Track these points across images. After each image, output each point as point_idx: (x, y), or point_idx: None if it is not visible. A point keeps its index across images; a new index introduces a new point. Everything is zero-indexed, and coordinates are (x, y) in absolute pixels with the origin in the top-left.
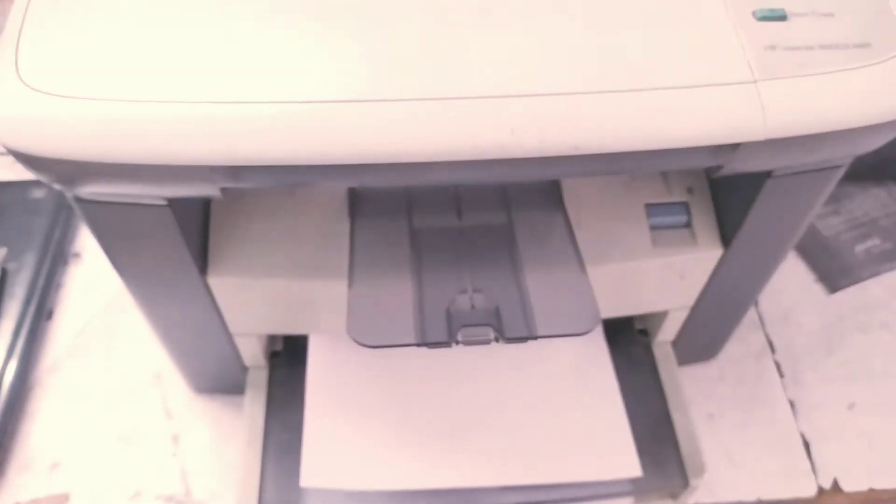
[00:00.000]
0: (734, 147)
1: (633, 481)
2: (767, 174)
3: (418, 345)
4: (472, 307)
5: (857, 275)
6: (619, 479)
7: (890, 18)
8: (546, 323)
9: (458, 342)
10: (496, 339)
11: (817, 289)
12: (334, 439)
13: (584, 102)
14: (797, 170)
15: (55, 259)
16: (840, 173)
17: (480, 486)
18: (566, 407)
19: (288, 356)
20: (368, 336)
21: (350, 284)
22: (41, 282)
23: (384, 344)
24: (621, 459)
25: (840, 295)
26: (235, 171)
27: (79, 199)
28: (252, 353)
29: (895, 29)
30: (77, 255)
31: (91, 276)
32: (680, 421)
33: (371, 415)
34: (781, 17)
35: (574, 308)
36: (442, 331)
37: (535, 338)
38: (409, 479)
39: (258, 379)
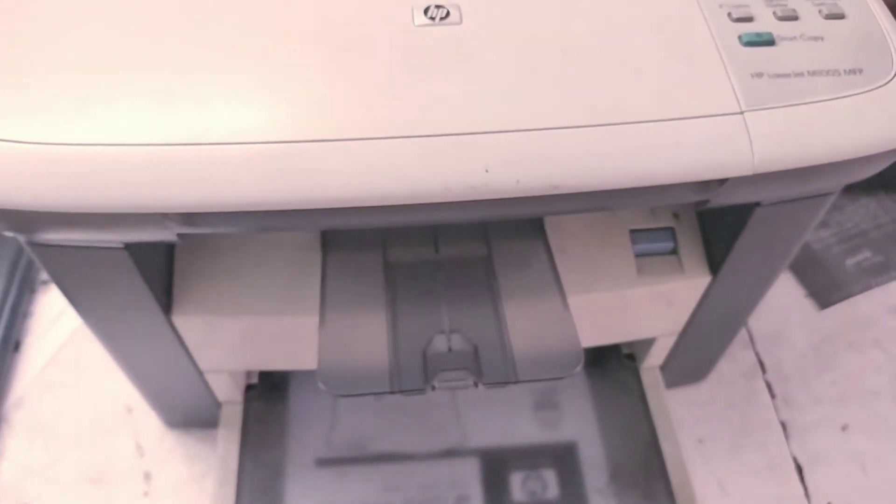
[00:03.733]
0: (721, 182)
1: None
2: (756, 203)
3: (392, 392)
4: (450, 349)
5: (849, 290)
6: None
7: (882, 42)
8: (527, 366)
9: (434, 388)
10: (475, 385)
11: (808, 304)
12: None
13: (563, 138)
14: (787, 198)
15: (22, 287)
16: (832, 199)
17: None
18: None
19: (263, 390)
20: (339, 384)
21: (321, 323)
22: (7, 311)
23: (355, 393)
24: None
25: (831, 311)
26: (189, 218)
27: (32, 243)
28: (225, 388)
29: (888, 53)
30: (45, 283)
31: (60, 303)
32: (669, 450)
33: None
34: (769, 42)
35: (556, 349)
36: (417, 376)
37: (516, 382)
38: None
39: (232, 415)
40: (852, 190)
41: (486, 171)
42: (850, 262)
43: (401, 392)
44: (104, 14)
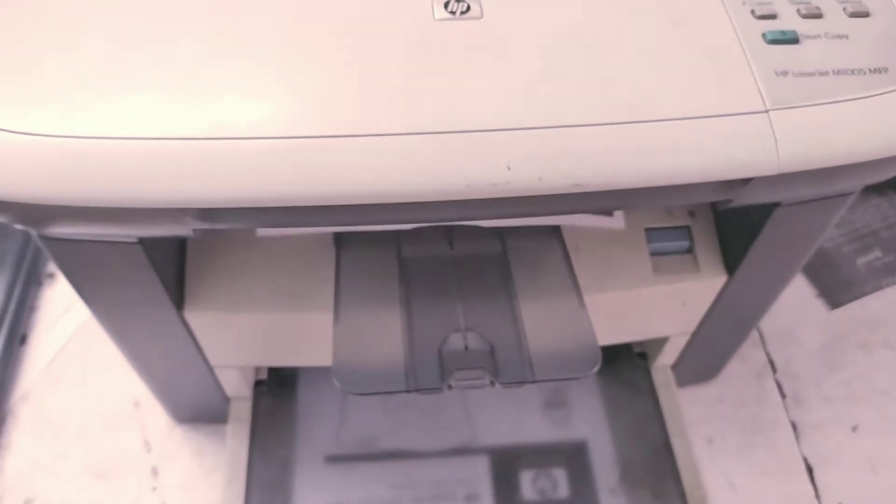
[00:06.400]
0: (744, 182)
1: None
2: (776, 203)
3: (408, 391)
4: (466, 348)
5: (859, 289)
6: None
7: None
8: (544, 366)
9: (450, 387)
10: (491, 384)
11: (818, 304)
12: None
13: (585, 136)
14: (808, 198)
15: (28, 280)
16: (851, 199)
17: None
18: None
19: (272, 385)
20: (355, 383)
21: (336, 320)
22: (13, 305)
23: (372, 392)
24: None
25: (841, 310)
26: (207, 213)
27: (44, 237)
28: (234, 383)
29: None
30: (51, 276)
31: (66, 297)
32: (680, 450)
33: None
34: (793, 40)
35: (573, 348)
36: (434, 375)
37: (533, 382)
38: None
39: (241, 410)
40: (863, 189)
41: (509, 168)
42: (861, 261)
43: (417, 391)
44: (119, 4)
